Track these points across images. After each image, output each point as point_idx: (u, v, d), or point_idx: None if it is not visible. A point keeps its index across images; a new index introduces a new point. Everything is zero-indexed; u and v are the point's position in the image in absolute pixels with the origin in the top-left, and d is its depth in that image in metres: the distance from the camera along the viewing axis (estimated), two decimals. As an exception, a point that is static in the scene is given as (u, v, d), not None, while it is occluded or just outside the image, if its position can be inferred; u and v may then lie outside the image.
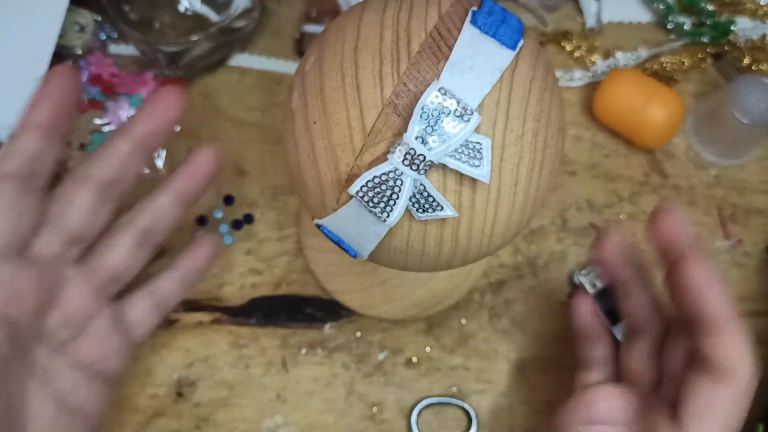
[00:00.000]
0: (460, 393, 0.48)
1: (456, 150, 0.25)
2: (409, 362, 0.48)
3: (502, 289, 0.50)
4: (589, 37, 0.56)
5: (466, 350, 0.48)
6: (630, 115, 0.50)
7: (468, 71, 0.26)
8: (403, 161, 0.25)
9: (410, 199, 0.26)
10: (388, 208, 0.26)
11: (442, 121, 0.25)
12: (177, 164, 0.52)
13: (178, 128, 0.52)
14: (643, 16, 0.57)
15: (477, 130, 0.26)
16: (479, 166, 0.25)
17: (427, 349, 0.48)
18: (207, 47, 0.51)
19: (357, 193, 0.26)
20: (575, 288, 0.49)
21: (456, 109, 0.25)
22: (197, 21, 0.52)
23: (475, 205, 0.27)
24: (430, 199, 0.26)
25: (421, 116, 0.25)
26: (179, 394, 0.47)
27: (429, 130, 0.25)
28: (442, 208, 0.26)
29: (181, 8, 0.52)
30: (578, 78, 0.55)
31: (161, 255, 0.49)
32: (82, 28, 0.53)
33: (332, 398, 0.47)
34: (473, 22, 0.26)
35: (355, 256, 0.30)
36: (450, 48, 0.26)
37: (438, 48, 0.26)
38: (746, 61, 0.55)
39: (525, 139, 0.27)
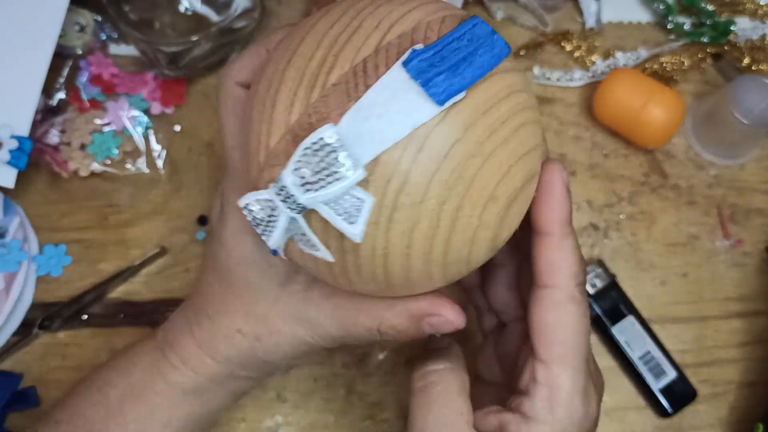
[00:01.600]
0: (460, 393, 0.48)
1: (333, 200, 0.23)
2: (409, 362, 0.48)
3: (502, 288, 0.50)
4: (589, 38, 0.56)
5: (465, 350, 0.48)
6: (630, 115, 0.50)
7: (374, 120, 0.23)
8: (277, 195, 0.24)
9: (290, 231, 0.25)
10: (267, 232, 0.26)
11: (323, 168, 0.23)
12: (177, 164, 0.52)
13: (177, 128, 0.52)
14: (642, 16, 0.57)
15: (365, 185, 0.23)
16: (353, 223, 0.24)
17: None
18: (207, 47, 0.51)
19: (243, 208, 0.26)
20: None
21: (341, 161, 0.23)
22: (197, 21, 0.52)
23: (359, 254, 0.25)
24: (305, 237, 0.25)
25: (303, 156, 0.23)
26: (179, 394, 0.47)
27: (307, 172, 0.23)
28: (317, 249, 0.25)
29: (182, 8, 0.52)
30: (578, 78, 0.55)
31: (162, 254, 0.49)
32: (82, 28, 0.53)
33: (332, 398, 0.47)
34: (405, 63, 0.23)
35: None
36: (366, 88, 0.23)
37: (355, 85, 0.24)
38: (746, 61, 0.55)
39: (425, 206, 0.24)
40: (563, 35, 0.56)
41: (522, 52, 0.55)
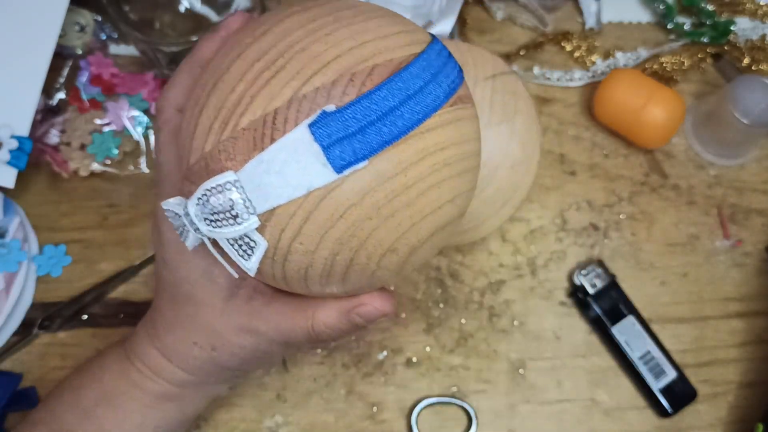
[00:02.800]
0: (460, 393, 0.48)
1: (229, 238, 0.25)
2: (409, 362, 0.48)
3: (501, 288, 0.50)
4: (589, 38, 0.56)
5: (465, 350, 0.48)
6: (630, 115, 0.50)
7: (273, 175, 0.23)
8: (186, 215, 0.25)
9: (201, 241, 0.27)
10: (184, 235, 0.27)
11: (222, 210, 0.24)
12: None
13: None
14: (642, 16, 0.57)
15: (261, 229, 0.24)
16: (247, 259, 0.25)
17: (427, 348, 0.48)
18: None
19: (166, 210, 0.27)
20: (575, 288, 0.49)
21: (238, 206, 0.24)
22: (197, 21, 0.52)
23: (262, 276, 0.27)
24: (215, 250, 0.27)
25: (205, 194, 0.24)
26: (179, 394, 0.47)
27: (208, 209, 0.24)
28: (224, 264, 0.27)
29: (182, 8, 0.52)
30: (578, 78, 0.55)
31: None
32: (82, 28, 0.53)
33: (332, 398, 0.47)
34: (312, 124, 0.23)
35: None
36: (272, 141, 0.23)
37: (262, 135, 0.23)
38: (746, 61, 0.55)
39: (318, 254, 0.25)
40: (563, 35, 0.56)
41: (522, 52, 0.55)
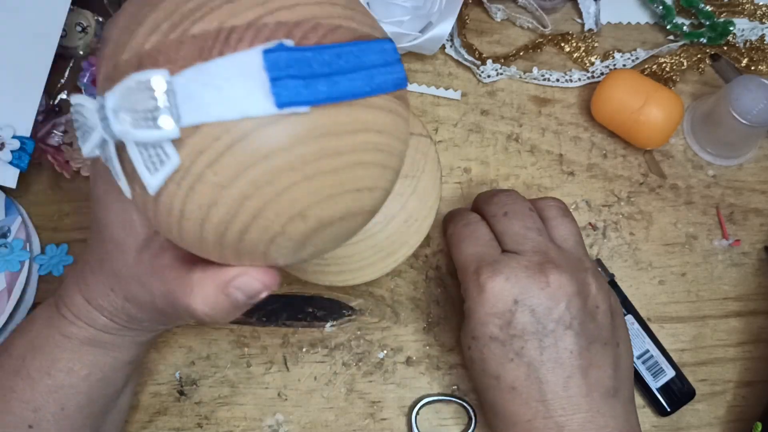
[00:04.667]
0: (460, 391, 0.48)
1: (141, 143, 0.23)
2: (409, 361, 0.48)
3: (501, 288, 0.50)
4: (588, 39, 0.56)
5: (465, 349, 0.49)
6: (628, 115, 0.51)
7: (210, 89, 0.22)
8: (98, 111, 0.23)
9: (102, 150, 0.25)
10: (83, 140, 0.25)
11: (143, 109, 0.22)
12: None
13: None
14: (641, 17, 0.58)
15: (178, 144, 0.23)
16: (152, 174, 0.23)
17: (427, 347, 0.49)
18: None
19: (73, 105, 0.25)
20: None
21: (162, 110, 0.22)
22: (198, 22, 0.52)
23: (157, 205, 0.25)
24: (110, 164, 0.24)
25: (129, 88, 0.22)
26: (181, 393, 0.47)
27: (130, 102, 0.22)
28: (119, 179, 0.25)
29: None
30: (577, 79, 0.55)
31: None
32: (84, 29, 0.53)
33: (333, 396, 0.47)
34: (267, 51, 0.22)
35: None
36: (220, 56, 0.22)
37: (210, 47, 0.22)
38: (744, 61, 0.56)
39: (228, 192, 0.24)
40: (562, 36, 0.56)
41: (521, 53, 0.56)
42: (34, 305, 0.48)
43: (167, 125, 0.22)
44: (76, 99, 0.25)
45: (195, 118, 0.22)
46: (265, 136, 0.22)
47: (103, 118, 0.23)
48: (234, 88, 0.22)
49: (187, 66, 0.22)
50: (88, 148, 0.24)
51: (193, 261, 0.31)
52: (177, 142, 0.22)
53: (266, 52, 0.22)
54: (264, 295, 0.28)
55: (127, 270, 0.33)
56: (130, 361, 0.38)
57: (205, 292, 0.29)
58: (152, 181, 0.23)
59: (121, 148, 0.24)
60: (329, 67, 0.23)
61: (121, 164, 0.24)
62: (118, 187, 0.29)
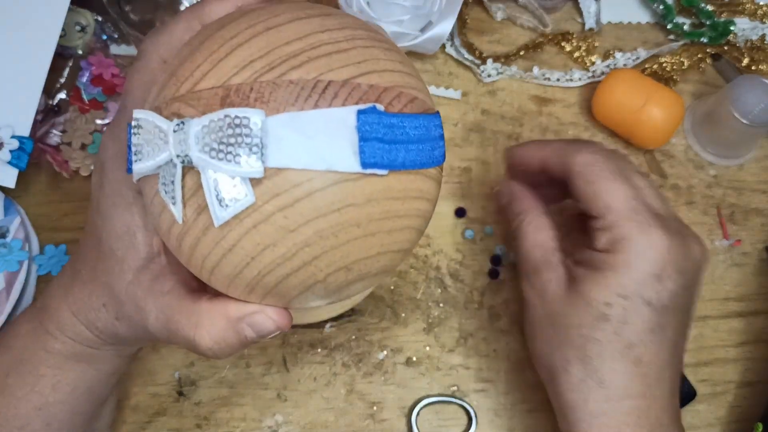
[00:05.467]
0: (460, 392, 0.48)
1: (219, 176, 0.23)
2: (409, 361, 0.48)
3: (501, 288, 0.50)
4: (589, 38, 0.56)
5: (465, 349, 0.48)
6: (629, 115, 0.51)
7: (301, 137, 0.23)
8: (174, 132, 0.24)
9: (162, 171, 0.25)
10: (140, 158, 0.25)
11: (230, 143, 0.22)
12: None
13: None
14: (642, 16, 0.58)
15: (255, 183, 0.23)
16: (223, 207, 0.23)
17: (427, 348, 0.48)
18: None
19: (133, 120, 0.25)
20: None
21: (251, 148, 0.22)
22: (198, 21, 0.52)
23: (206, 234, 0.25)
24: (171, 185, 0.24)
25: (221, 119, 0.23)
26: (180, 393, 0.47)
27: (214, 136, 0.23)
28: (174, 203, 0.25)
29: (182, 9, 0.52)
30: (578, 78, 0.55)
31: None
32: (83, 29, 0.53)
33: (332, 397, 0.47)
34: (361, 111, 0.23)
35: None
36: (315, 106, 0.23)
37: (307, 96, 0.23)
38: (745, 61, 0.55)
39: (290, 237, 0.24)
40: (563, 36, 0.56)
41: (522, 53, 0.56)
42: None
43: (253, 164, 0.22)
44: (143, 114, 0.25)
45: (280, 161, 0.23)
46: (344, 190, 0.24)
47: (180, 142, 0.23)
48: (325, 140, 0.23)
49: (281, 110, 0.23)
50: (149, 166, 0.24)
51: (196, 289, 0.30)
52: (254, 180, 0.23)
53: (360, 112, 0.23)
54: (272, 336, 0.28)
55: (123, 288, 0.31)
56: (115, 372, 0.37)
57: (213, 326, 0.28)
58: (222, 213, 0.23)
59: (185, 171, 0.24)
60: (407, 136, 0.25)
61: (168, 190, 0.25)
62: (127, 201, 0.30)
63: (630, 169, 0.38)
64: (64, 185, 0.51)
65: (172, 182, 0.24)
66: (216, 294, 0.28)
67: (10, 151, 0.46)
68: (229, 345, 0.28)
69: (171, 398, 0.47)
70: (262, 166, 0.22)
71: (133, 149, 0.25)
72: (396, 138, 0.24)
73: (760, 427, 0.45)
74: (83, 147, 0.51)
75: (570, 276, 0.37)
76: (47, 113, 0.52)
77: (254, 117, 0.22)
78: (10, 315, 0.46)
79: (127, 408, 0.46)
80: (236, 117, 0.22)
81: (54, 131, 0.51)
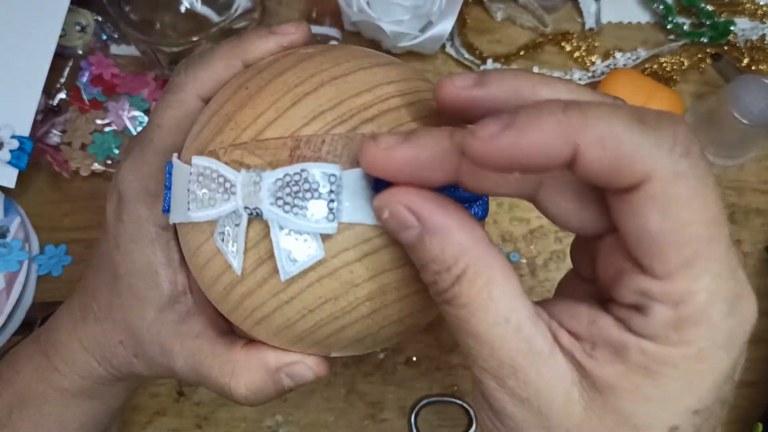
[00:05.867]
0: (460, 392, 0.48)
1: (290, 230, 0.22)
2: (409, 361, 0.48)
3: (501, 288, 0.50)
4: (589, 38, 0.56)
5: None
6: (629, 115, 0.51)
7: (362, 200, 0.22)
8: (244, 185, 0.23)
9: (224, 221, 0.24)
10: (200, 206, 0.24)
11: (304, 198, 0.22)
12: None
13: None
14: (642, 16, 0.58)
15: (326, 238, 0.22)
16: (291, 262, 0.23)
17: (427, 348, 0.48)
18: (208, 48, 0.51)
19: (193, 165, 0.24)
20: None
21: (321, 206, 0.22)
22: (198, 21, 0.52)
23: (262, 287, 0.24)
24: (235, 237, 0.24)
25: (296, 173, 0.22)
26: (180, 393, 0.47)
27: (293, 190, 0.22)
28: (235, 255, 0.24)
29: (182, 9, 0.52)
30: (577, 78, 0.55)
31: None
32: (83, 29, 0.53)
33: (332, 397, 0.47)
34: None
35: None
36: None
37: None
38: (745, 61, 0.55)
39: (355, 291, 0.24)
40: (563, 36, 0.56)
41: (522, 53, 0.56)
42: (33, 306, 0.48)
43: (327, 221, 0.22)
44: (206, 162, 0.24)
45: (353, 217, 0.22)
46: None
47: (250, 194, 0.22)
48: (357, 203, 0.22)
49: (355, 165, 0.22)
50: (211, 215, 0.24)
51: (226, 331, 0.30)
52: (326, 237, 0.22)
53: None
54: (308, 383, 0.27)
55: (144, 327, 0.30)
56: (121, 405, 0.37)
57: (250, 375, 0.27)
58: (290, 269, 0.23)
59: (250, 222, 0.23)
60: (473, 196, 0.24)
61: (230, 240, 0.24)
62: (149, 237, 0.29)
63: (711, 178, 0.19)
64: (64, 185, 0.51)
65: (235, 233, 0.23)
66: (250, 340, 0.28)
67: (10, 151, 0.46)
68: (265, 394, 0.28)
69: (171, 398, 0.47)
70: (336, 222, 0.22)
71: (197, 193, 0.24)
72: (462, 197, 0.24)
73: (760, 427, 0.45)
74: (83, 147, 0.51)
75: (582, 372, 0.20)
76: (47, 113, 0.52)
77: (334, 172, 0.22)
78: (11, 315, 0.47)
79: (128, 408, 0.46)
80: (315, 172, 0.22)
81: (54, 131, 0.51)
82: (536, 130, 0.18)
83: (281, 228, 0.22)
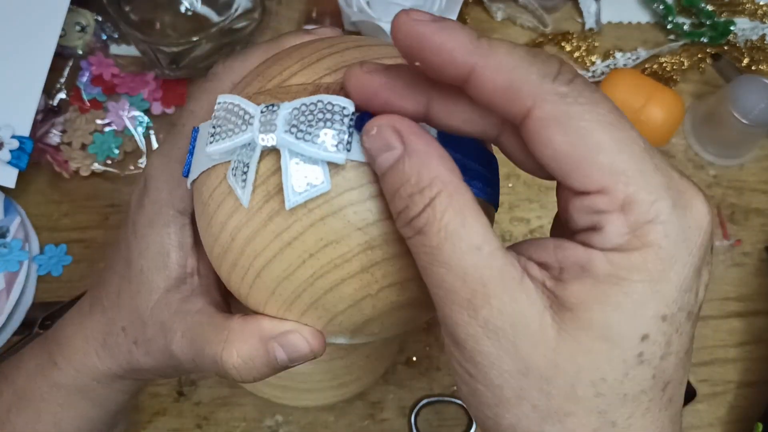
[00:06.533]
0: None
1: (301, 158, 0.22)
2: (409, 361, 0.48)
3: (501, 288, 0.50)
4: (589, 38, 0.56)
5: (465, 349, 0.48)
6: (629, 115, 0.50)
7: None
8: (262, 113, 0.23)
9: (237, 154, 0.24)
10: (218, 139, 0.24)
11: (318, 127, 0.22)
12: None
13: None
14: (642, 16, 0.58)
15: (334, 170, 0.23)
16: (297, 192, 0.23)
17: (427, 348, 0.48)
18: (208, 48, 0.52)
19: (218, 103, 0.25)
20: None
21: (334, 136, 0.22)
22: (198, 21, 0.52)
23: (269, 224, 0.24)
24: (245, 167, 0.24)
25: (313, 104, 0.22)
26: (180, 393, 0.47)
27: (308, 118, 0.22)
28: (245, 186, 0.24)
29: (182, 9, 0.52)
30: (578, 78, 0.55)
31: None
32: (83, 29, 0.53)
33: (332, 397, 0.47)
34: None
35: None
36: None
37: None
38: (745, 61, 0.55)
39: (358, 233, 0.23)
40: (563, 35, 0.56)
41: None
42: (33, 305, 0.48)
43: (336, 150, 0.22)
44: (229, 98, 0.24)
45: (362, 156, 0.22)
46: None
47: (266, 123, 0.23)
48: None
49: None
50: (227, 146, 0.24)
51: (228, 310, 0.30)
52: (332, 170, 0.22)
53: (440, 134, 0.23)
54: (301, 362, 0.26)
55: (148, 308, 0.30)
56: (119, 410, 0.36)
57: (243, 342, 0.26)
58: (294, 198, 0.22)
59: (262, 155, 0.23)
60: (493, 174, 0.26)
61: (239, 174, 0.24)
62: (165, 220, 0.29)
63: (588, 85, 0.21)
64: (64, 185, 0.51)
65: (247, 165, 0.24)
66: (249, 314, 0.28)
67: (10, 151, 0.46)
68: (255, 366, 0.27)
69: (171, 398, 0.47)
70: (344, 154, 0.22)
71: (213, 130, 0.24)
72: (476, 173, 0.25)
73: (760, 426, 0.45)
74: (83, 147, 0.51)
75: (552, 297, 0.21)
76: (47, 113, 0.52)
77: (345, 104, 0.22)
78: (11, 315, 0.47)
79: (127, 408, 0.46)
80: (329, 103, 0.22)
81: (54, 131, 0.51)
82: (451, 37, 0.20)
83: (291, 156, 0.22)
